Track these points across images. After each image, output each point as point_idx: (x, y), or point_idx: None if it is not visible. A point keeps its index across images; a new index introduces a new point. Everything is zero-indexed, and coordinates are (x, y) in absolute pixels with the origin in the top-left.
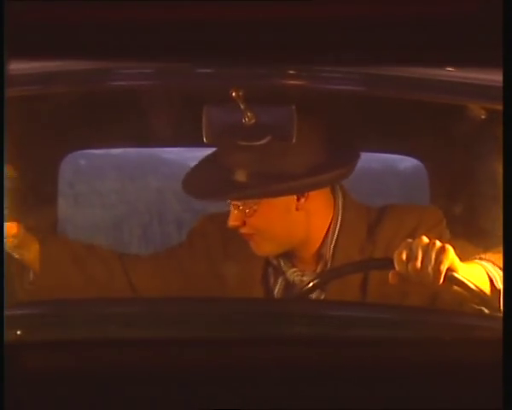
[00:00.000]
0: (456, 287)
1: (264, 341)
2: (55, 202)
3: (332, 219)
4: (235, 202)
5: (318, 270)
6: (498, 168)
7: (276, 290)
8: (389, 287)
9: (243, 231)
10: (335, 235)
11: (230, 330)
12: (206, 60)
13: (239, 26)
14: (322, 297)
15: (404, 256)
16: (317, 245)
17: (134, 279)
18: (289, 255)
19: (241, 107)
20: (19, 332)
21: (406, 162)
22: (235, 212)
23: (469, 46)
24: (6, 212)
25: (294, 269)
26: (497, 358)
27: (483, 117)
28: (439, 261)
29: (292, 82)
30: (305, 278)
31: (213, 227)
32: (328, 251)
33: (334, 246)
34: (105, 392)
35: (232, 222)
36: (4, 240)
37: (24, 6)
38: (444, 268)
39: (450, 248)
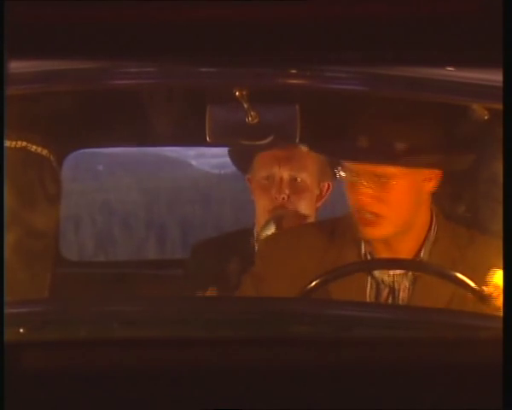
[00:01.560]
0: None
1: (265, 340)
2: (57, 200)
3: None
4: (369, 179)
5: None
6: (501, 169)
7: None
8: (436, 292)
9: (373, 209)
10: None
11: (230, 330)
12: (210, 59)
13: (242, 26)
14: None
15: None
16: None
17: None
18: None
19: (245, 106)
20: (21, 330)
21: None
22: (366, 189)
23: (469, 46)
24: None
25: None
26: (497, 358)
27: (486, 117)
28: None
29: (295, 81)
30: (395, 279)
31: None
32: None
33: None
34: (105, 392)
35: (364, 198)
36: (4, 240)
37: (24, 6)
38: None
39: None
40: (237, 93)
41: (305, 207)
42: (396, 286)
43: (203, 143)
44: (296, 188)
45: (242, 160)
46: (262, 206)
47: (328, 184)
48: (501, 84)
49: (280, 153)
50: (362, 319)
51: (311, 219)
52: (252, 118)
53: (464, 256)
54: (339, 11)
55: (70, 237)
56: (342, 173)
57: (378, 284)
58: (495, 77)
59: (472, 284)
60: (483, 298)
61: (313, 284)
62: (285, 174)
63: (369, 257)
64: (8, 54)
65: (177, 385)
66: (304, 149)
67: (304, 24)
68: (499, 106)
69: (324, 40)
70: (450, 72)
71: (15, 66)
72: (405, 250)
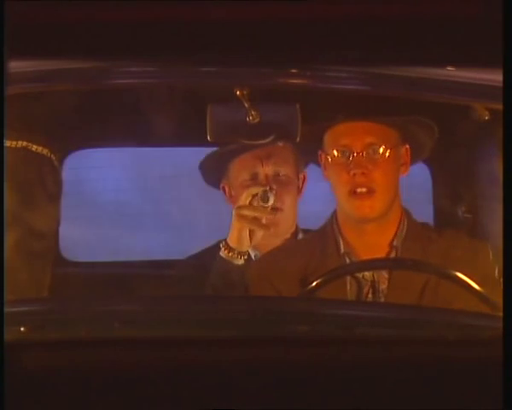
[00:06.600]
0: None
1: (266, 340)
2: (57, 201)
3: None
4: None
5: None
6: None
7: None
8: (410, 279)
9: (364, 181)
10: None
11: (230, 330)
12: (210, 59)
13: (243, 25)
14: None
15: None
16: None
17: None
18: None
19: (246, 105)
20: (21, 329)
21: None
22: (358, 159)
23: (469, 46)
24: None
25: None
26: (497, 358)
27: (486, 118)
28: None
29: (296, 81)
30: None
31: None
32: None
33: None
34: (105, 392)
35: (357, 169)
36: (4, 240)
37: (24, 6)
38: None
39: None
40: (238, 92)
41: (290, 200)
42: (376, 278)
43: (204, 143)
44: (281, 182)
45: (216, 170)
46: None
47: (304, 175)
48: (501, 85)
49: (259, 152)
50: (362, 318)
51: (294, 213)
52: (252, 117)
53: (436, 247)
54: (339, 11)
55: (70, 237)
56: (328, 157)
57: (359, 282)
58: (495, 77)
59: (472, 283)
60: (482, 298)
61: (314, 283)
62: (269, 171)
63: (347, 259)
64: (8, 54)
65: (177, 385)
66: (280, 143)
67: (304, 24)
68: (499, 106)
69: (324, 40)
70: (450, 72)
71: (15, 66)
72: (380, 244)
